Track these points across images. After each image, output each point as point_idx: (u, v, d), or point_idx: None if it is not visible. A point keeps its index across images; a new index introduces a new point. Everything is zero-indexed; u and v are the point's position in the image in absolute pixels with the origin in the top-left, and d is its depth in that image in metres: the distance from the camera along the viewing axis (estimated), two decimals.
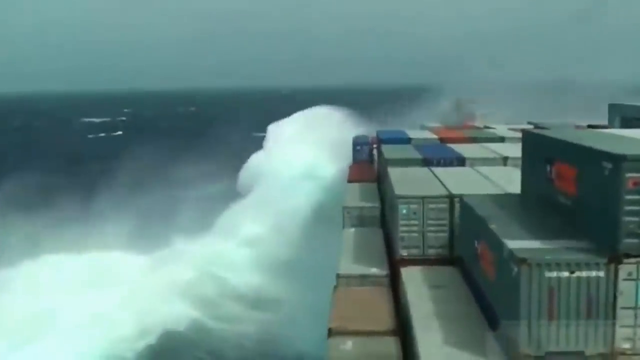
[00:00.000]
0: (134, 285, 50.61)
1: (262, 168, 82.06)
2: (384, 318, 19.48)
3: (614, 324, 14.18)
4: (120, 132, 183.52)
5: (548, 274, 14.12)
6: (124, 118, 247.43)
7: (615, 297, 14.15)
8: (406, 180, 26.44)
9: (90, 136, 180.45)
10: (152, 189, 70.77)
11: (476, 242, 18.74)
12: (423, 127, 62.35)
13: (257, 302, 49.86)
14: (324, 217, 55.40)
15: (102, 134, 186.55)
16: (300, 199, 63.46)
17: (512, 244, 15.17)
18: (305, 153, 78.48)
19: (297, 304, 44.32)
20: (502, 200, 21.18)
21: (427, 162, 32.18)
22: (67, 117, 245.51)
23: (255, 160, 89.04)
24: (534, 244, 15.21)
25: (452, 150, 35.35)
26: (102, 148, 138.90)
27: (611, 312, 14.18)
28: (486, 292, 17.62)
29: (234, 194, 74.48)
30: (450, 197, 23.42)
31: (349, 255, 25.57)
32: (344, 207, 31.71)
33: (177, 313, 47.33)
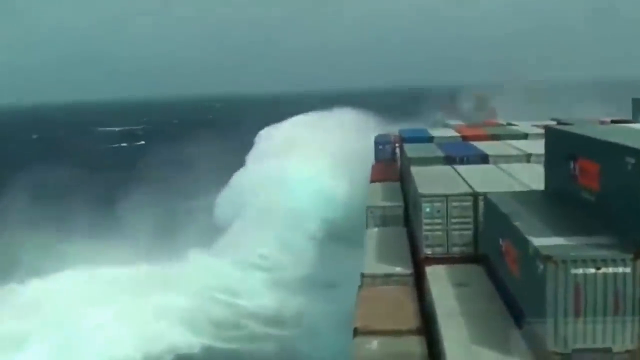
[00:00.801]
0: (136, 305, 46.39)
1: (245, 191, 69.28)
2: (409, 317, 19.50)
3: None
4: (142, 142, 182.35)
5: (574, 271, 14.06)
6: (141, 127, 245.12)
7: None
8: (429, 179, 26.43)
9: (111, 145, 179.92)
10: (168, 200, 69.42)
11: (500, 239, 18.70)
12: (445, 125, 62.21)
13: (274, 320, 47.14)
14: (334, 234, 54.47)
15: (124, 144, 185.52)
16: (307, 217, 59.81)
17: (537, 241, 15.13)
18: (304, 166, 67.37)
19: (317, 316, 42.46)
20: (526, 197, 21.11)
21: (449, 160, 32.13)
22: (85, 127, 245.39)
23: (239, 180, 75.17)
24: (559, 240, 15.15)
25: (475, 148, 35.24)
26: (119, 158, 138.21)
27: (638, 308, 14.09)
28: (511, 289, 17.58)
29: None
30: (474, 195, 23.38)
31: (373, 255, 25.61)
32: (367, 207, 31.74)
33: (185, 339, 44.27)
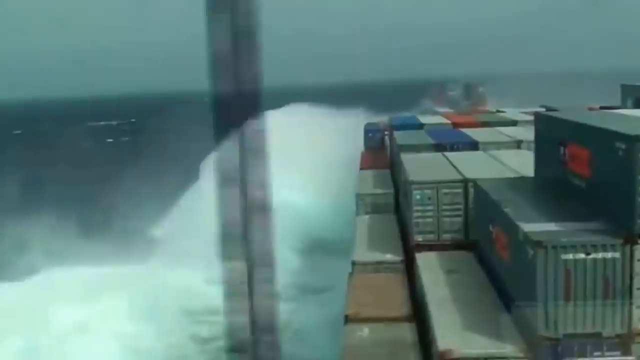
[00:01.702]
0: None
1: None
2: (400, 304, 19.54)
3: (630, 305, 14.17)
4: (127, 138, 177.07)
5: (564, 256, 14.11)
6: (126, 121, 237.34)
7: (631, 278, 14.14)
8: (419, 166, 26.44)
9: (96, 141, 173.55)
10: (153, 198, 63.08)
11: (491, 226, 18.75)
12: (435, 113, 62.31)
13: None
14: (318, 246, 50.64)
15: (110, 139, 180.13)
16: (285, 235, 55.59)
17: (527, 227, 15.17)
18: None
19: (305, 320, 42.01)
20: (516, 183, 21.16)
21: (439, 148, 32.14)
22: (72, 122, 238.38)
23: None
24: (549, 226, 15.19)
25: (465, 135, 35.28)
26: (105, 154, 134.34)
27: (628, 293, 14.17)
28: (502, 275, 17.64)
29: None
30: (464, 182, 23.41)
31: (364, 243, 25.63)
32: (357, 195, 31.73)
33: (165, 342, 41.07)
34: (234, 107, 4.28)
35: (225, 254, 4.57)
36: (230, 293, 4.56)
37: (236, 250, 4.51)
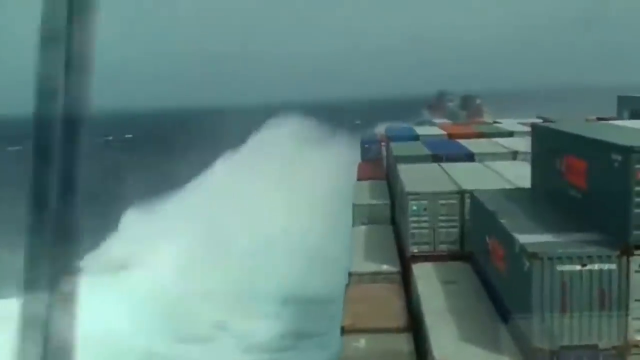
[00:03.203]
0: None
1: None
2: (397, 315, 19.51)
3: (626, 317, 14.16)
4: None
5: (560, 268, 14.10)
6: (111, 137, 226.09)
7: (628, 290, 14.13)
8: (416, 177, 26.46)
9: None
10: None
11: (487, 237, 18.75)
12: (432, 124, 62.37)
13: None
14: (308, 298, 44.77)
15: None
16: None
17: (523, 238, 15.17)
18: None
19: None
20: (513, 194, 21.17)
21: (436, 158, 32.15)
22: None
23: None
24: (545, 237, 15.19)
25: (461, 146, 35.31)
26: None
27: (624, 304, 14.16)
28: (498, 286, 17.62)
29: None
30: (461, 193, 23.42)
31: (360, 253, 25.62)
32: (354, 205, 31.76)
33: None
34: (56, 132, 4.35)
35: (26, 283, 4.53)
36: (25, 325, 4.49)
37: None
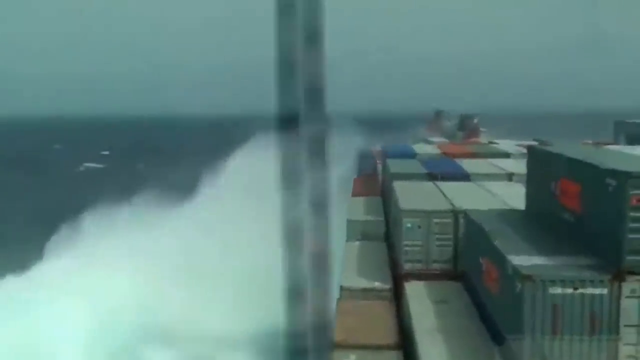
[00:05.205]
0: None
1: None
2: (387, 332, 19.47)
3: (617, 342, 14.17)
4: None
5: (552, 291, 14.13)
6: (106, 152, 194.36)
7: (618, 315, 14.15)
8: (411, 195, 26.47)
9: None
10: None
11: (480, 257, 18.76)
12: (428, 142, 62.55)
13: None
14: None
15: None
16: None
17: (516, 259, 15.19)
18: None
19: None
20: (507, 215, 21.20)
21: (432, 177, 32.20)
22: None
23: None
24: (538, 260, 15.22)
25: (457, 165, 35.39)
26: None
27: (615, 329, 14.17)
28: (490, 307, 17.62)
29: None
30: (455, 212, 23.44)
31: (353, 268, 25.55)
32: (348, 221, 31.69)
33: None
34: (299, 109, 4.46)
35: (289, 255, 4.66)
36: (291, 292, 4.65)
37: (298, 250, 4.61)
